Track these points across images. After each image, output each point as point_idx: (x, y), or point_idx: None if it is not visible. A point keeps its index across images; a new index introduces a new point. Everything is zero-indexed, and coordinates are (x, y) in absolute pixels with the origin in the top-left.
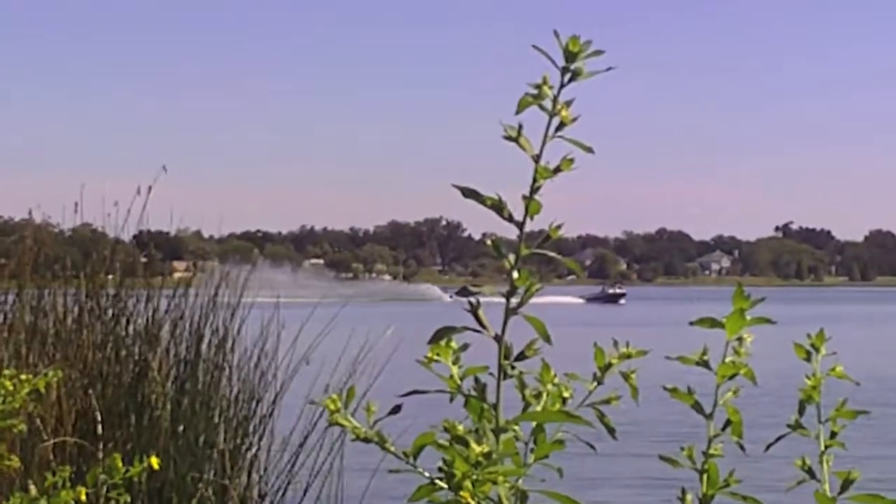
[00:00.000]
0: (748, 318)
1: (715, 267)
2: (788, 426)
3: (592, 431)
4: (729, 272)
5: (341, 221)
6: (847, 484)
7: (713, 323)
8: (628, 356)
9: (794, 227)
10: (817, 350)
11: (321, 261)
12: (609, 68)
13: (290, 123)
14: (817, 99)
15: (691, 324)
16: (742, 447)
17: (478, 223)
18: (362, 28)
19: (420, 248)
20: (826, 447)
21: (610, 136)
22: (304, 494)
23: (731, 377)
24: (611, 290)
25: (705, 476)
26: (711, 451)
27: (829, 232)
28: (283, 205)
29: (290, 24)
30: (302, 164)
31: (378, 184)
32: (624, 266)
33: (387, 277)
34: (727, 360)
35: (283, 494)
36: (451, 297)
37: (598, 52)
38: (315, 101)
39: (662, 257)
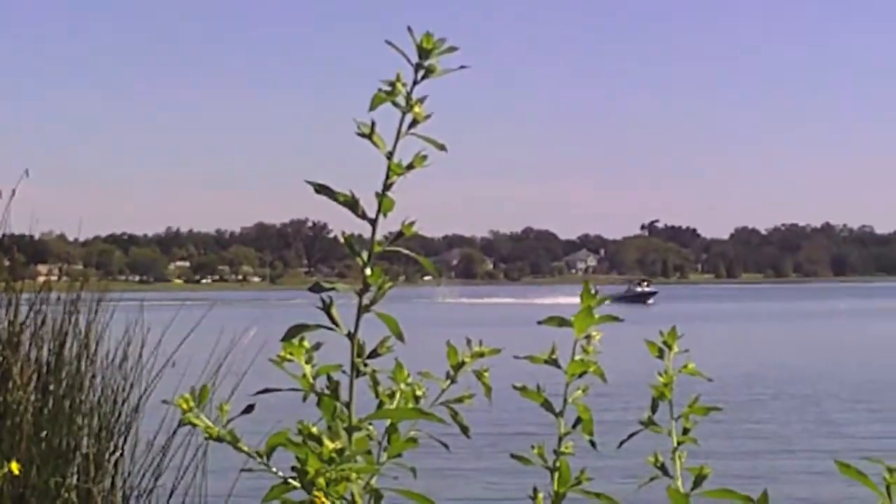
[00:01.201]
0: (596, 316)
1: (581, 266)
2: (641, 423)
3: (448, 431)
4: (595, 271)
5: (207, 223)
6: (700, 479)
7: (561, 322)
8: (481, 355)
9: (660, 225)
10: (670, 347)
11: (187, 263)
12: (462, 66)
13: (154, 123)
14: (682, 97)
15: (539, 323)
16: (593, 444)
17: (344, 224)
18: (219, 25)
19: (286, 249)
20: (679, 443)
21: (477, 135)
22: (170, 497)
23: (581, 375)
24: (638, 289)
25: (557, 474)
26: (562, 449)
27: (694, 230)
28: (149, 207)
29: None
30: (168, 165)
31: (243, 185)
32: (491, 266)
33: (255, 279)
34: (577, 357)
35: (148, 497)
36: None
37: (452, 49)
38: (180, 102)
39: (529, 256)
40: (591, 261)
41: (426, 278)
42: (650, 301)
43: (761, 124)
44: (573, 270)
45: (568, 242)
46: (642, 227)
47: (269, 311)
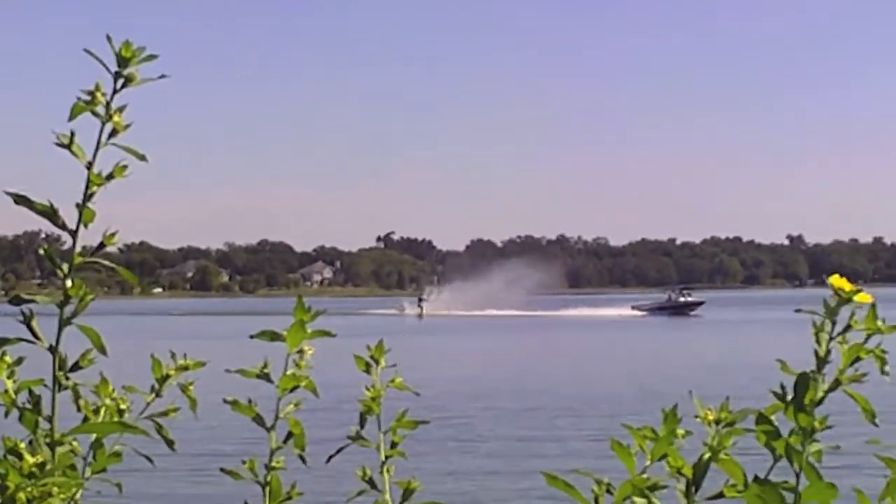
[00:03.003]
0: (309, 330)
1: (317, 278)
2: (349, 437)
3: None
4: (331, 283)
5: None
6: (408, 493)
7: (273, 336)
8: (185, 368)
9: (396, 237)
10: (377, 362)
11: None
12: (162, 76)
13: None
14: (418, 108)
15: (251, 337)
16: (303, 459)
17: (80, 236)
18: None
19: (18, 261)
20: (387, 457)
21: (213, 145)
22: None
23: (293, 389)
24: (681, 299)
25: (268, 489)
26: (273, 464)
27: (430, 242)
28: None
29: None
30: None
31: None
32: (226, 278)
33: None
34: (289, 372)
35: None
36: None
37: (152, 57)
38: None
39: (264, 268)
40: (327, 273)
41: (156, 291)
42: (694, 312)
43: (491, 137)
44: (309, 283)
45: (304, 254)
46: (378, 239)
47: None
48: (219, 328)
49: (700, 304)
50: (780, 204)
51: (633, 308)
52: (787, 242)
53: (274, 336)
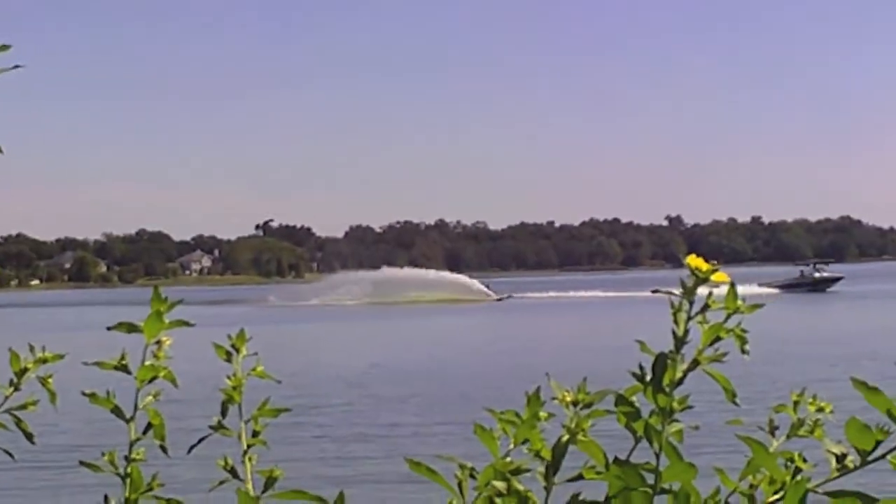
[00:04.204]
0: (167, 321)
1: (196, 266)
2: (211, 427)
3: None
4: (210, 271)
5: None
6: (270, 481)
7: (131, 327)
8: (44, 360)
9: (275, 224)
10: (238, 350)
11: None
12: (16, 66)
13: None
14: (294, 93)
15: (109, 329)
16: (164, 450)
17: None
18: None
19: None
20: (248, 446)
21: (85, 137)
22: None
23: (152, 380)
24: (816, 274)
25: (129, 481)
26: (134, 456)
27: (309, 228)
28: None
29: None
30: None
31: None
32: (105, 268)
33: None
34: (147, 363)
35: None
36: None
37: (4, 48)
38: None
39: (143, 258)
40: (206, 261)
41: (33, 283)
42: (832, 288)
43: (368, 123)
44: (188, 272)
45: (182, 243)
46: (257, 227)
47: None
48: (97, 319)
49: (839, 279)
50: (658, 185)
51: (766, 286)
52: (665, 223)
53: (131, 328)
